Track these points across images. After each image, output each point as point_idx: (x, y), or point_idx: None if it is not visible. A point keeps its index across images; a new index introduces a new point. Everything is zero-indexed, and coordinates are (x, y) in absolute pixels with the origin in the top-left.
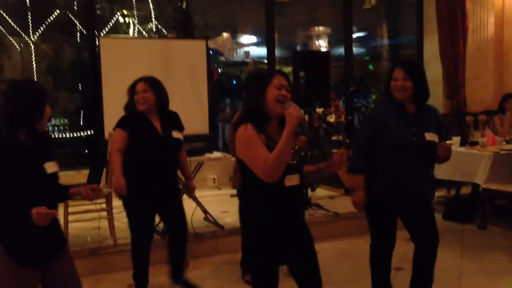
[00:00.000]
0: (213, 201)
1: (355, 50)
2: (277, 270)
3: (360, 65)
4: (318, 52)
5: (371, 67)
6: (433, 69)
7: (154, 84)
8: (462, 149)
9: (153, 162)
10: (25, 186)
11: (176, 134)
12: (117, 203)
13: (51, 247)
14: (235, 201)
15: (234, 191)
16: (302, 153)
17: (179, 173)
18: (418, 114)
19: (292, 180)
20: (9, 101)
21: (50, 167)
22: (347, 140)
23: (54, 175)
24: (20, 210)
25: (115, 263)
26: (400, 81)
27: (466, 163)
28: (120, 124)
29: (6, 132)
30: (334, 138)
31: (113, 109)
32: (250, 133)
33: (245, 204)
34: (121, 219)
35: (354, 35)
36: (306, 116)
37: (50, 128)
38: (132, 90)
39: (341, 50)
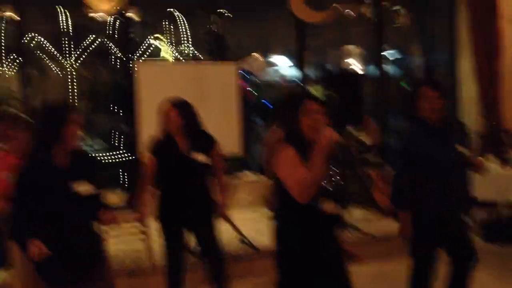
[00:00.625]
0: (248, 223)
1: (388, 68)
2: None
3: (393, 84)
4: (350, 71)
5: (404, 85)
6: (467, 87)
7: (179, 105)
8: (499, 168)
9: (176, 183)
10: (49, 204)
11: (196, 156)
12: (155, 225)
13: (82, 267)
14: (270, 222)
15: (269, 212)
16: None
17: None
18: (445, 129)
19: (328, 206)
20: (33, 125)
21: (79, 186)
22: (381, 160)
23: (83, 195)
24: (39, 230)
25: (153, 285)
26: (435, 101)
27: (505, 182)
28: (149, 149)
29: (31, 153)
30: (367, 157)
31: (147, 131)
32: (290, 153)
33: (280, 227)
34: (159, 240)
35: (386, 54)
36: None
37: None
38: (161, 113)
39: (373, 69)
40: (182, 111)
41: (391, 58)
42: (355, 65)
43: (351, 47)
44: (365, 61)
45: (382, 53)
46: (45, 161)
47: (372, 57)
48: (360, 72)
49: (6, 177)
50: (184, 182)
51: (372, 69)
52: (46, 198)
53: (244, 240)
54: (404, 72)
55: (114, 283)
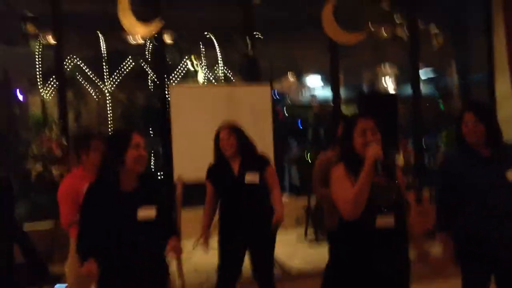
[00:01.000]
0: (279, 244)
1: (424, 89)
2: None
3: (430, 105)
4: (384, 92)
5: (441, 106)
6: (506, 107)
7: (235, 130)
8: None
9: (231, 204)
10: (113, 229)
11: (250, 177)
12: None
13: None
14: (302, 244)
15: (301, 233)
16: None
17: None
18: (494, 156)
19: (384, 221)
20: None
21: (145, 212)
22: (417, 182)
23: (148, 221)
24: (101, 252)
25: None
26: (471, 125)
27: None
28: (206, 176)
29: (99, 178)
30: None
31: (181, 153)
32: (340, 172)
33: (334, 246)
34: (188, 260)
35: (423, 74)
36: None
37: None
38: (216, 138)
39: (408, 89)
40: (239, 135)
41: (426, 78)
42: (390, 86)
43: (386, 68)
44: (400, 81)
45: (417, 73)
46: (111, 184)
47: (407, 77)
48: (395, 92)
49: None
50: (241, 203)
51: (407, 89)
52: (109, 220)
53: (276, 262)
54: (441, 93)
55: None
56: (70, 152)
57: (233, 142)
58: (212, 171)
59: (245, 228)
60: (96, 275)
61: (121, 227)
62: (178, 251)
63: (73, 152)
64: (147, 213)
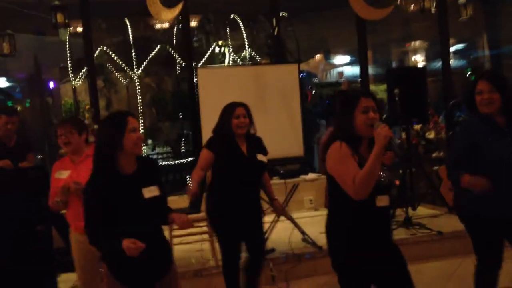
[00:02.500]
0: (311, 222)
1: (455, 62)
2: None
3: (461, 78)
4: (413, 67)
5: (473, 79)
6: None
7: (249, 110)
8: None
9: (239, 183)
10: (120, 211)
11: (260, 157)
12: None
13: (154, 269)
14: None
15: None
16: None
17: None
18: (510, 125)
19: (383, 201)
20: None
21: (149, 192)
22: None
23: (153, 200)
24: (113, 237)
25: (218, 284)
26: (486, 94)
27: None
28: (207, 145)
29: (97, 165)
30: (434, 155)
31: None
32: (344, 150)
33: (333, 224)
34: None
35: (453, 48)
36: (403, 134)
37: (154, 156)
38: (229, 113)
39: (439, 64)
40: (250, 116)
41: (456, 51)
42: (419, 61)
43: (415, 43)
44: (430, 55)
45: (447, 47)
46: (111, 169)
47: (437, 51)
48: (425, 67)
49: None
50: (246, 181)
51: (437, 64)
52: (115, 205)
53: (307, 239)
54: (471, 65)
55: (178, 283)
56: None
57: (248, 121)
58: (215, 143)
59: (246, 209)
60: (142, 246)
61: (129, 209)
62: (188, 225)
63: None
64: (152, 192)
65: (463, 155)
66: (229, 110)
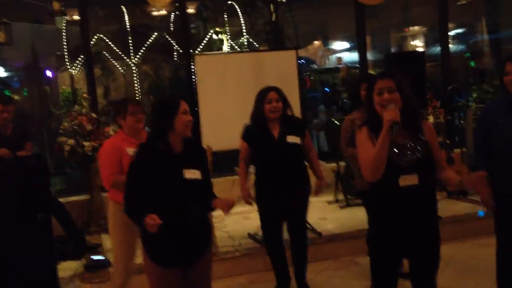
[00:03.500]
0: (310, 208)
1: (454, 47)
2: (393, 267)
3: (460, 63)
4: (412, 52)
5: (472, 64)
6: None
7: (282, 94)
8: None
9: (271, 166)
10: (159, 188)
11: (291, 139)
12: (215, 212)
13: (189, 251)
14: (333, 208)
15: (331, 198)
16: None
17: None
18: None
19: (408, 180)
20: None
21: (190, 173)
22: (448, 141)
23: (194, 182)
24: (143, 211)
25: (217, 271)
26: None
27: None
28: (242, 135)
29: (148, 141)
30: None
31: (209, 122)
32: (363, 135)
33: (368, 205)
34: (222, 228)
35: (452, 32)
36: None
37: None
38: (261, 98)
39: (438, 49)
40: (284, 98)
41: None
42: (419, 46)
43: (414, 28)
44: (429, 40)
45: (446, 31)
46: (161, 146)
47: (436, 36)
48: (424, 52)
49: (133, 153)
50: (278, 164)
51: (436, 48)
52: (159, 180)
53: (307, 225)
54: (470, 51)
55: (211, 273)
56: (108, 120)
57: (280, 106)
58: (250, 132)
59: (284, 193)
60: (159, 224)
61: (170, 185)
62: (230, 205)
63: (112, 118)
64: (192, 174)
65: (482, 138)
66: (261, 96)
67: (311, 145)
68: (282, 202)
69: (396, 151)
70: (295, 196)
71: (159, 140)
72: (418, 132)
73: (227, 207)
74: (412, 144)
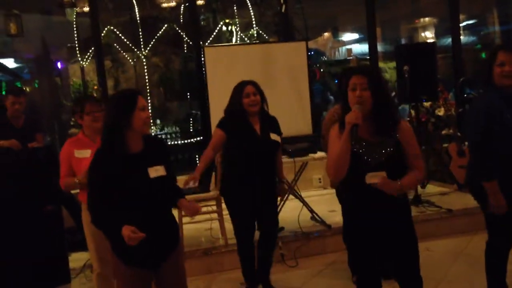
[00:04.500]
0: (320, 201)
1: (465, 39)
2: (371, 263)
3: (471, 54)
4: (422, 44)
5: (483, 55)
6: None
7: (259, 88)
8: None
9: (250, 162)
10: (125, 190)
11: (274, 137)
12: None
13: (158, 250)
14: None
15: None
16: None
17: None
18: None
19: (375, 178)
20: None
21: (155, 171)
22: (459, 134)
23: (159, 179)
24: (115, 220)
25: (227, 262)
26: (508, 66)
27: None
28: (219, 124)
29: (103, 143)
30: (444, 132)
31: (219, 115)
32: (333, 133)
33: (341, 203)
34: (229, 220)
35: (463, 23)
36: (413, 112)
37: (163, 136)
38: (239, 92)
39: (449, 40)
40: (261, 93)
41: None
42: (429, 37)
43: (424, 19)
44: (439, 32)
45: (457, 22)
46: (118, 146)
47: (446, 28)
48: (435, 43)
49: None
50: (258, 160)
51: (447, 40)
52: (119, 183)
53: (316, 218)
54: (481, 42)
55: (184, 270)
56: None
57: (259, 99)
58: (228, 123)
59: (259, 188)
60: (141, 236)
61: (134, 187)
62: (196, 210)
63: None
64: (156, 171)
65: (487, 137)
66: (239, 89)
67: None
68: (256, 193)
69: (364, 149)
70: (269, 193)
71: (115, 140)
72: (389, 131)
73: (192, 212)
74: (381, 142)
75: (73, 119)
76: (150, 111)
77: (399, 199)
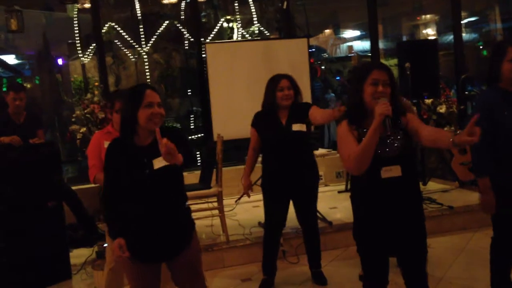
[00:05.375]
0: (321, 198)
1: (467, 36)
2: (383, 260)
3: (473, 51)
4: (424, 41)
5: (484, 52)
6: None
7: (294, 81)
8: None
9: (277, 154)
10: (131, 183)
11: (296, 127)
12: (227, 201)
13: (165, 246)
14: (343, 197)
15: (342, 187)
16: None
17: None
18: None
19: (390, 172)
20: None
21: (159, 162)
22: (459, 130)
23: (165, 170)
24: (122, 212)
25: (229, 259)
26: None
27: None
28: (252, 123)
29: (120, 135)
30: (445, 129)
31: (220, 111)
32: (343, 129)
33: (351, 197)
34: (232, 216)
35: (464, 21)
36: (414, 108)
37: None
38: (273, 85)
39: (451, 37)
40: (296, 87)
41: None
42: (431, 34)
43: (426, 16)
44: (441, 29)
45: (459, 19)
46: (127, 139)
47: (448, 25)
48: (436, 40)
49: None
50: (284, 152)
51: (449, 37)
52: (128, 175)
53: (317, 214)
54: (483, 39)
55: (200, 263)
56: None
57: (292, 94)
58: (259, 119)
59: (290, 179)
60: (126, 256)
61: (137, 180)
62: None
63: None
64: (162, 162)
65: (486, 136)
66: (273, 83)
67: (318, 108)
68: (288, 185)
69: (378, 144)
70: (302, 181)
71: (128, 133)
72: (399, 125)
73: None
74: (393, 137)
75: (74, 115)
76: (161, 107)
77: (414, 194)
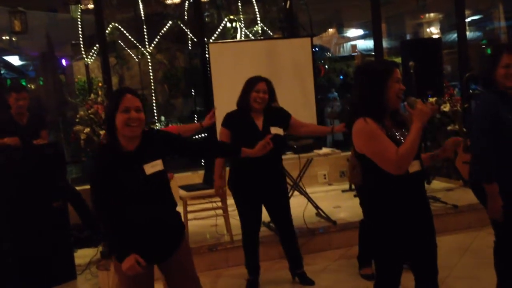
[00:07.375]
0: (325, 197)
1: (470, 34)
2: (401, 262)
3: (477, 50)
4: (428, 39)
5: (488, 51)
6: None
7: (271, 87)
8: None
9: (255, 158)
10: (122, 190)
11: (274, 130)
12: (231, 201)
13: (158, 250)
14: (347, 196)
15: (346, 186)
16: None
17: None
18: None
19: (414, 166)
20: None
21: (151, 167)
22: (464, 129)
23: (157, 175)
24: (122, 240)
25: (233, 258)
26: (510, 66)
27: None
28: (223, 122)
29: (106, 141)
30: (449, 128)
31: (224, 111)
32: (372, 126)
33: (370, 199)
34: (236, 216)
35: (468, 19)
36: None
37: None
38: (250, 86)
39: (454, 36)
40: (271, 91)
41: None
42: (434, 33)
43: (429, 15)
44: (444, 28)
45: (463, 17)
46: (111, 146)
47: (452, 23)
48: (440, 39)
49: None
50: (263, 157)
51: (452, 35)
52: (114, 181)
53: (321, 214)
54: (487, 38)
55: (192, 266)
56: None
57: (266, 98)
58: (232, 119)
59: (265, 184)
60: (140, 268)
61: (128, 185)
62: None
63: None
64: (154, 167)
65: (490, 138)
66: (251, 84)
67: (301, 122)
68: (262, 190)
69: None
70: (278, 185)
71: (111, 139)
72: (405, 123)
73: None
74: (403, 134)
75: (78, 115)
76: (154, 108)
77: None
